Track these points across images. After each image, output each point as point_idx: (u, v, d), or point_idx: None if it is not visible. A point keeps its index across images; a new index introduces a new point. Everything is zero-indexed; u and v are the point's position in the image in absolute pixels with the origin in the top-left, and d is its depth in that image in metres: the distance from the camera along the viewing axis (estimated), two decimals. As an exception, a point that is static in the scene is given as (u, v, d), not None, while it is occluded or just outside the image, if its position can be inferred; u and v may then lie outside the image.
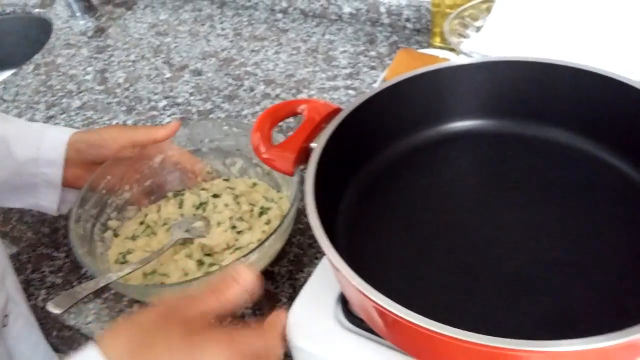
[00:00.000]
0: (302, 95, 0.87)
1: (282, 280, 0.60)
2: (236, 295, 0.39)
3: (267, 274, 0.59)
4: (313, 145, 0.45)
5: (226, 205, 0.61)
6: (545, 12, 0.66)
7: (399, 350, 0.41)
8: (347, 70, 0.91)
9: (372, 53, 0.94)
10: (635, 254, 0.40)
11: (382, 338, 0.42)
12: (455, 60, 0.50)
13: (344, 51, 0.96)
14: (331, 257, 0.36)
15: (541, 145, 0.50)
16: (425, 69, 0.49)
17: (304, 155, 0.45)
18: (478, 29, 0.68)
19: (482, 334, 0.30)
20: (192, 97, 0.91)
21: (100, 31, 1.18)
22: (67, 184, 0.63)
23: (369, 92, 0.48)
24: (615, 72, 0.44)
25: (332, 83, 0.89)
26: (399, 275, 0.42)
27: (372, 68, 0.91)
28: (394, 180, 0.50)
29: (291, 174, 0.45)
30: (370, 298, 0.33)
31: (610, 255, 0.41)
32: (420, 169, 0.51)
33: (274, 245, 0.54)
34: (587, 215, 0.44)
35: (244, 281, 0.40)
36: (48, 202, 0.63)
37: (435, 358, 0.36)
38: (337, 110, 0.48)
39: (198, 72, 0.97)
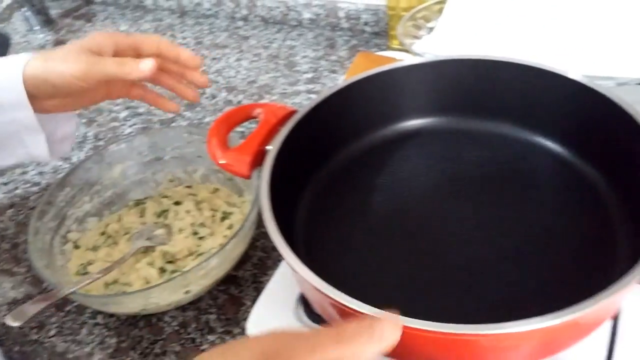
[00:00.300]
0: (265, 101, 0.88)
1: (246, 284, 0.60)
2: (367, 351, 0.29)
3: (231, 278, 0.60)
4: (269, 147, 0.46)
5: (188, 211, 0.62)
6: (493, 13, 0.68)
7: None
8: (309, 75, 0.92)
9: (333, 57, 0.96)
10: (579, 238, 0.42)
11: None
12: (405, 61, 0.51)
13: (305, 56, 0.97)
14: (285, 256, 0.36)
15: (489, 139, 0.51)
16: (377, 70, 0.50)
17: (260, 158, 0.46)
18: (430, 30, 0.70)
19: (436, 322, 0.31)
20: (153, 107, 0.91)
21: (59, 44, 1.16)
22: (50, 112, 0.54)
23: (322, 94, 0.49)
24: (552, 66, 0.46)
25: (293, 88, 0.89)
26: (357, 270, 0.43)
27: (333, 72, 0.92)
28: (351, 179, 0.51)
29: (248, 177, 0.45)
30: (324, 292, 0.34)
31: (556, 241, 0.42)
32: (376, 167, 0.52)
33: (236, 250, 0.55)
34: (533, 202, 0.45)
35: (383, 338, 0.30)
36: (38, 149, 0.56)
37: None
38: (293, 113, 0.48)
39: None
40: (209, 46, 1.05)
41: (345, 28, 1.02)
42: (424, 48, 0.64)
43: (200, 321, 0.56)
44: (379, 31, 0.99)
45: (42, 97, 0.51)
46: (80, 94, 0.53)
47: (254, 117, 0.49)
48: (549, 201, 0.46)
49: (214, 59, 1.00)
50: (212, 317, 0.57)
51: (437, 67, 0.51)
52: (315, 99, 0.49)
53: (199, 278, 0.52)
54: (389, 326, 0.30)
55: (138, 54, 0.53)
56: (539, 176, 0.48)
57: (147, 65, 0.51)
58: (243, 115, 0.49)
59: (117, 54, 0.53)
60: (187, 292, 0.53)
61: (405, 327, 0.31)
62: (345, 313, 0.34)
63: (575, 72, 0.46)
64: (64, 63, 0.50)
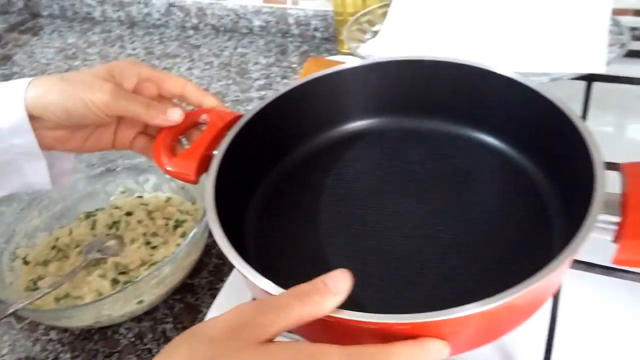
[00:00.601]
0: (217, 109, 0.88)
1: (202, 291, 0.59)
2: (327, 304, 0.32)
3: (187, 287, 0.59)
4: (215, 152, 0.46)
5: (139, 222, 0.61)
6: (434, 15, 0.71)
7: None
8: (261, 82, 0.93)
9: (285, 63, 0.97)
10: (517, 228, 0.44)
11: (295, 334, 0.43)
12: (347, 63, 0.52)
13: (257, 63, 0.98)
14: (230, 257, 0.36)
15: (432, 137, 0.53)
16: (319, 73, 0.51)
17: (207, 163, 0.46)
18: (375, 33, 0.71)
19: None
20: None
21: (5, 59, 1.13)
22: (49, 148, 0.49)
23: (267, 98, 0.50)
24: (488, 64, 0.48)
25: (246, 95, 0.90)
26: (306, 270, 0.43)
27: (285, 77, 0.93)
28: (300, 180, 0.52)
29: (195, 182, 0.45)
30: (271, 293, 0.34)
31: (496, 232, 0.44)
32: (324, 168, 0.52)
33: (189, 257, 0.54)
34: (474, 196, 0.47)
35: (337, 289, 0.32)
36: (37, 176, 0.50)
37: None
38: (239, 117, 0.49)
39: (110, 93, 0.96)
40: (159, 56, 1.04)
41: (295, 34, 1.03)
42: (369, 51, 0.66)
43: (156, 331, 0.56)
44: (329, 36, 1.00)
45: (49, 126, 0.46)
46: (90, 129, 0.49)
47: (201, 123, 0.50)
48: (489, 194, 0.47)
49: (165, 68, 1.00)
50: (169, 326, 0.56)
51: (379, 69, 0.52)
52: (260, 103, 0.49)
53: (152, 287, 0.52)
54: (340, 277, 0.33)
55: (159, 92, 0.50)
56: (479, 171, 0.50)
57: (175, 115, 0.47)
58: (189, 121, 0.49)
59: (138, 86, 0.49)
60: (140, 302, 0.52)
61: (347, 320, 0.32)
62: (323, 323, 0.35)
63: (509, 69, 0.48)
64: (87, 89, 0.44)
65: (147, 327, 0.56)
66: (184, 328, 0.55)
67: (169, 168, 0.46)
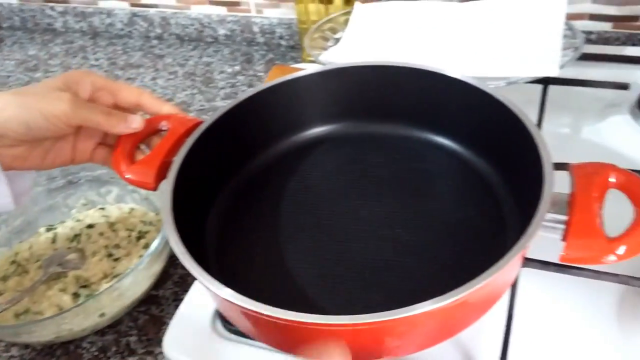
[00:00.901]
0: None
1: (167, 302, 0.59)
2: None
3: (152, 298, 0.59)
4: (175, 159, 0.46)
5: (101, 234, 0.60)
6: (394, 23, 0.72)
7: (275, 350, 0.42)
8: (226, 90, 0.93)
9: (250, 72, 0.97)
10: (473, 228, 0.45)
11: (254, 340, 0.43)
12: (307, 69, 0.53)
13: (222, 72, 0.98)
14: (187, 265, 0.36)
15: (392, 142, 0.54)
16: (279, 80, 0.52)
17: (166, 170, 0.46)
18: (337, 41, 0.72)
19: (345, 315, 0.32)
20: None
21: (-36, 71, 1.11)
22: (8, 168, 0.46)
23: (228, 105, 0.50)
24: (445, 69, 0.49)
25: (211, 104, 0.90)
26: (268, 276, 0.44)
27: (251, 86, 0.93)
28: (261, 186, 0.52)
29: (154, 189, 0.45)
30: (231, 301, 0.34)
31: (453, 232, 0.45)
32: (286, 173, 0.53)
33: (151, 268, 0.54)
34: (432, 198, 0.48)
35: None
36: None
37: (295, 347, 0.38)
38: (199, 123, 0.49)
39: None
40: (123, 66, 1.03)
41: (261, 42, 1.03)
42: (330, 58, 0.67)
43: (120, 344, 0.55)
44: (294, 44, 1.01)
45: (7, 143, 0.44)
46: (49, 143, 0.47)
47: (161, 130, 0.49)
48: (446, 195, 0.48)
49: (128, 79, 0.99)
50: (133, 338, 0.56)
51: (339, 74, 0.53)
52: (220, 109, 0.49)
53: (114, 300, 0.51)
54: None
55: (115, 101, 0.49)
56: (436, 173, 0.50)
57: (135, 122, 0.47)
58: (149, 128, 0.49)
59: (93, 96, 0.48)
60: (102, 315, 0.52)
61: (302, 323, 0.32)
62: (258, 321, 0.35)
63: (465, 73, 0.49)
64: (45, 100, 0.43)
65: (110, 341, 0.55)
66: (149, 340, 0.55)
67: (127, 175, 0.46)
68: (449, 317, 0.34)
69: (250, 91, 0.51)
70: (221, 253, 0.46)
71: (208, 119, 0.49)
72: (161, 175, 0.45)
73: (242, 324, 0.39)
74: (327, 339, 0.34)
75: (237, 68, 0.98)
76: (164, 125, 0.49)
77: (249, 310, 0.33)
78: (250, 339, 0.45)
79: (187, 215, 0.42)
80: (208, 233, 0.47)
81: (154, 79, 0.98)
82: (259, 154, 0.54)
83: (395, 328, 0.33)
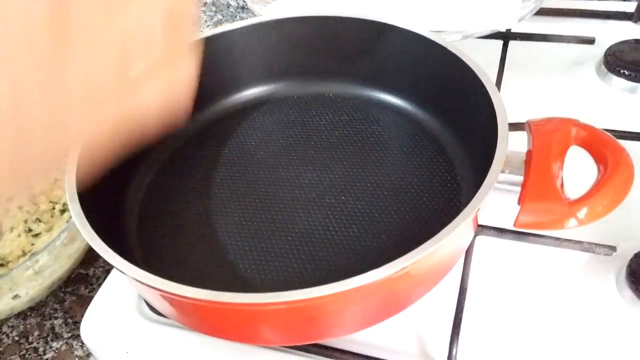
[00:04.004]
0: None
1: (97, 282, 0.54)
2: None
3: (80, 277, 0.53)
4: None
5: (20, 207, 0.54)
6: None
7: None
8: (172, 54, 0.86)
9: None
10: (427, 195, 0.41)
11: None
12: (243, 21, 0.47)
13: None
14: (88, 238, 0.31)
15: (339, 102, 0.49)
16: (210, 32, 0.46)
17: None
18: (283, -5, 0.66)
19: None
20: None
21: None
22: None
23: (151, 61, 0.44)
24: (397, 21, 0.44)
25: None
26: (200, 251, 0.39)
27: (198, 50, 0.86)
28: (193, 154, 0.47)
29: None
30: (143, 282, 0.29)
31: (404, 196, 0.41)
32: (221, 139, 0.48)
33: (73, 244, 0.48)
34: (382, 163, 0.44)
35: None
36: None
37: (219, 330, 0.33)
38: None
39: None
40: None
41: (209, 3, 0.96)
42: (273, 13, 0.61)
43: (44, 328, 0.50)
44: (244, 5, 0.94)
45: None
46: None
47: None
48: (397, 160, 0.44)
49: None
50: (58, 322, 0.50)
51: (277, 28, 0.48)
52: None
53: (28, 280, 0.46)
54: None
55: None
56: (386, 135, 0.46)
57: None
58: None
59: None
60: (15, 296, 0.46)
61: (239, 305, 0.28)
62: (180, 304, 0.30)
63: (418, 26, 0.44)
64: None
65: (33, 324, 0.50)
66: (76, 324, 0.49)
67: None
68: (391, 291, 0.30)
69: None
70: (145, 228, 0.41)
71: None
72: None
73: (154, 301, 0.34)
74: (252, 320, 0.30)
75: (185, 30, 0.91)
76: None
77: (154, 287, 0.28)
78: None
79: (101, 185, 0.37)
80: (129, 206, 0.42)
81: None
82: (193, 118, 0.48)
83: (329, 305, 0.29)
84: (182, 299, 0.28)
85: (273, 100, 0.50)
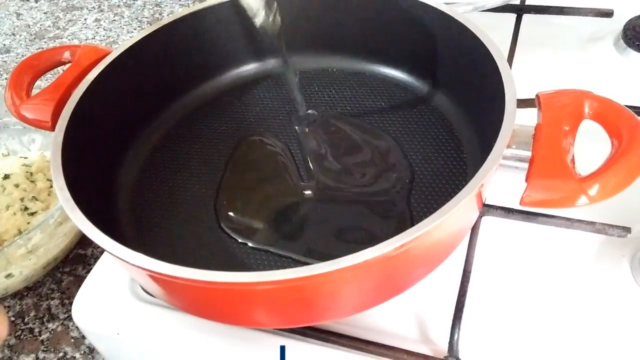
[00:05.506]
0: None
1: (95, 263, 0.52)
2: None
3: (78, 258, 0.53)
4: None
5: (17, 185, 0.53)
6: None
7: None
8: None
9: (204, 13, 0.88)
10: (433, 172, 0.39)
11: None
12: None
13: (172, 12, 0.89)
14: (74, 218, 0.29)
15: (343, 76, 0.47)
16: (209, 2, 0.44)
17: None
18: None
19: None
20: (-3, 76, 0.80)
21: None
22: None
23: (146, 30, 0.43)
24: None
25: (159, 47, 0.81)
26: (190, 230, 0.38)
27: (203, 28, 0.84)
28: (190, 130, 0.45)
29: (52, 129, 0.38)
30: (130, 262, 0.28)
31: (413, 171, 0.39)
32: (219, 114, 0.46)
33: (67, 223, 0.47)
34: (387, 138, 0.41)
35: None
36: None
37: (210, 312, 0.32)
38: (108, 54, 0.41)
39: (6, 50, 0.86)
40: (64, 8, 0.94)
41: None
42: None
43: (40, 308, 0.49)
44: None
45: None
46: None
47: (66, 62, 0.42)
48: (402, 135, 0.42)
49: (69, 20, 0.90)
50: (55, 302, 0.50)
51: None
52: (137, 35, 0.42)
53: (22, 259, 0.45)
54: None
55: None
56: (392, 111, 0.44)
57: None
58: (51, 59, 0.42)
59: None
60: (9, 275, 0.45)
61: (226, 284, 0.26)
62: (169, 284, 0.29)
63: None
64: None
65: (30, 304, 0.49)
66: (72, 304, 0.48)
67: (22, 112, 0.38)
68: (389, 271, 0.28)
69: (179, 13, 0.44)
70: (137, 207, 0.39)
71: (119, 47, 0.41)
72: (60, 113, 0.38)
73: (145, 283, 0.33)
74: (243, 301, 0.29)
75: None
76: (67, 56, 0.41)
77: (140, 267, 0.27)
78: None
79: (89, 165, 0.35)
80: (122, 188, 0.40)
81: (97, 20, 0.89)
82: (188, 92, 0.47)
83: (322, 285, 0.27)
84: (170, 279, 0.27)
85: (274, 76, 0.48)
